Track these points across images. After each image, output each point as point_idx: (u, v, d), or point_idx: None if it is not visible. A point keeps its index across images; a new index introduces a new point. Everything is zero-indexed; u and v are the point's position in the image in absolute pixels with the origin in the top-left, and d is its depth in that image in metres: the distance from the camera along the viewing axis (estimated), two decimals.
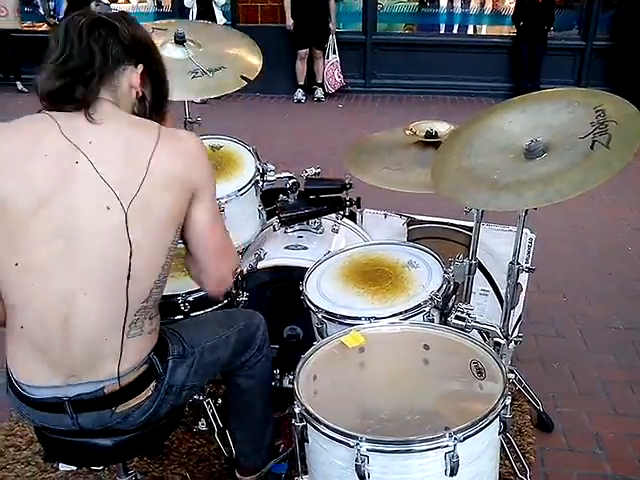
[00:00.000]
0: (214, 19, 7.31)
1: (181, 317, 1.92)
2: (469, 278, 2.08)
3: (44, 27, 8.23)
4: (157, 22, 2.55)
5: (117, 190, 1.32)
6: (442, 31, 8.96)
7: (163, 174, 1.36)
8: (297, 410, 1.37)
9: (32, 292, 1.33)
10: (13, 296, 1.36)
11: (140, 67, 1.43)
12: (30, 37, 7.96)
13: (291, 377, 1.49)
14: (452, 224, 2.52)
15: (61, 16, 7.77)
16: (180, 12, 7.93)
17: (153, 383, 1.48)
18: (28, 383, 1.41)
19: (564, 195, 1.50)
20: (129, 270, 1.33)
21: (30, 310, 1.35)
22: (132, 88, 1.43)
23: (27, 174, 1.31)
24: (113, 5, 9.85)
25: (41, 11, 7.97)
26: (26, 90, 8.06)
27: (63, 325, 1.34)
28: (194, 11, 7.32)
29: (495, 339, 1.85)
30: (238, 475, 1.98)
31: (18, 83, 8.19)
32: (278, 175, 2.45)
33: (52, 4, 8.08)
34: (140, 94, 1.45)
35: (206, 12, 7.33)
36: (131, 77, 1.42)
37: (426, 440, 1.24)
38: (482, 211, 2.03)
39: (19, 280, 1.33)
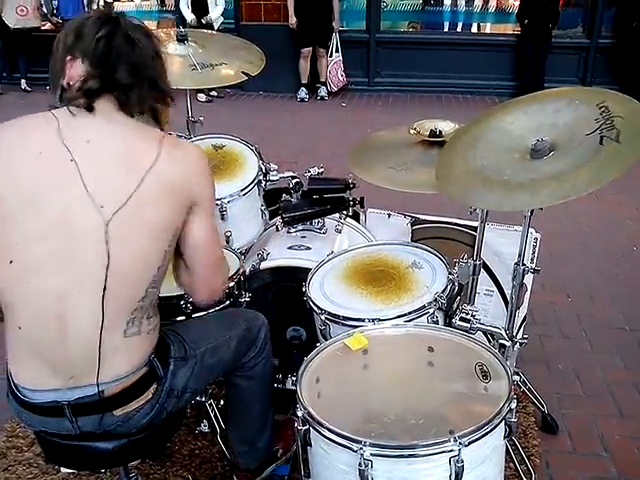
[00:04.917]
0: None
1: (183, 318, 1.90)
2: (474, 279, 2.06)
3: (47, 26, 8.21)
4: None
5: (103, 193, 1.31)
6: (446, 29, 8.93)
7: (160, 183, 1.34)
8: (300, 413, 1.35)
9: (27, 290, 1.32)
10: (10, 294, 1.35)
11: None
12: (34, 36, 7.96)
13: (294, 379, 1.47)
14: (456, 224, 2.50)
15: (63, 15, 7.76)
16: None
17: (154, 386, 1.47)
18: (28, 387, 1.40)
19: (580, 191, 1.47)
20: (106, 271, 1.31)
21: (26, 309, 1.34)
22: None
23: (15, 172, 1.30)
24: (117, 4, 9.86)
25: (44, 10, 7.96)
26: (30, 89, 8.06)
27: (58, 325, 1.33)
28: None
29: (500, 341, 1.84)
30: (236, 479, 1.97)
31: (23, 82, 8.19)
32: (281, 175, 2.44)
33: (55, 3, 8.06)
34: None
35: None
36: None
37: (430, 444, 1.22)
38: (487, 211, 2.01)
39: (14, 278, 1.32)
